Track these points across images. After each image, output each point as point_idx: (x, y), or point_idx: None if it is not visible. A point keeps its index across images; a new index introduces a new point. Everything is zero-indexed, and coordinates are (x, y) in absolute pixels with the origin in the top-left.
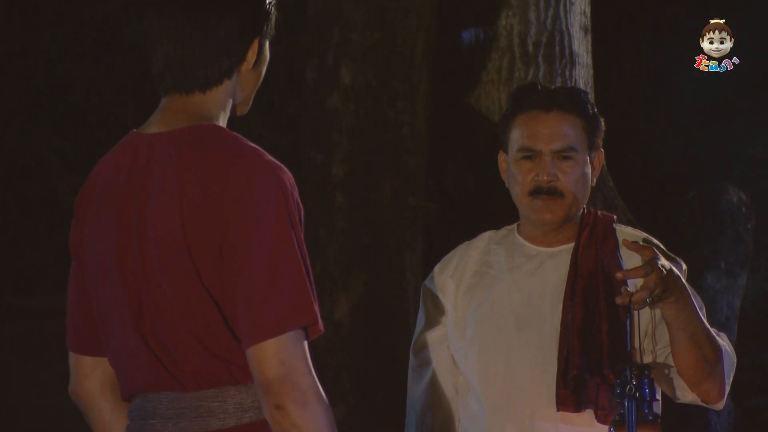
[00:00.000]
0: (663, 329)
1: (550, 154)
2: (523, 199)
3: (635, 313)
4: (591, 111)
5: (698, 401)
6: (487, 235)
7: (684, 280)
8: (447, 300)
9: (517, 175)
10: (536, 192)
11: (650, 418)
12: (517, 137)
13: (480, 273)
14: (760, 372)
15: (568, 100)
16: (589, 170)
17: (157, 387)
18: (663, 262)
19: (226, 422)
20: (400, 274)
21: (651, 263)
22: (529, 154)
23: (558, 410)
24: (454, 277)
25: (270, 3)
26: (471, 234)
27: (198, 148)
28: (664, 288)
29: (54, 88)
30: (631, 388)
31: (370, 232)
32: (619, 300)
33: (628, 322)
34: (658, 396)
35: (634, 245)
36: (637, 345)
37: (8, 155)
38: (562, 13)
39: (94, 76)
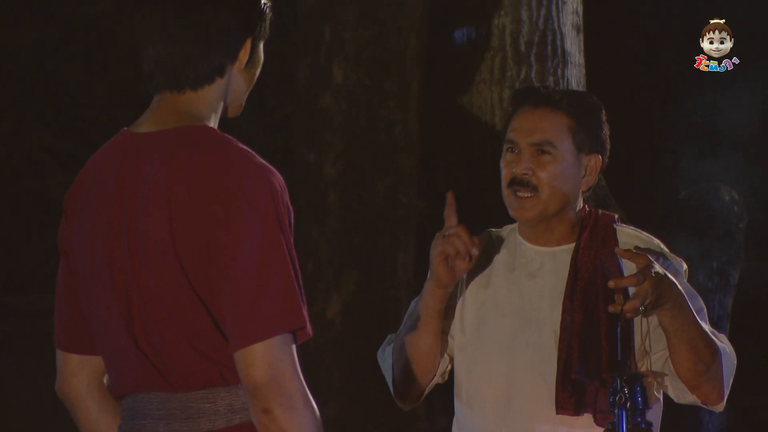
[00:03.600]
0: (661, 332)
1: (528, 147)
2: (504, 192)
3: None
4: (585, 114)
5: (698, 403)
6: (491, 234)
7: (684, 281)
8: (459, 293)
9: (501, 169)
10: (512, 184)
11: (643, 426)
12: (506, 132)
13: (483, 273)
14: (752, 371)
15: (560, 99)
16: (573, 171)
17: (147, 387)
18: (657, 269)
19: (216, 423)
20: (392, 273)
21: (644, 271)
22: (511, 146)
23: (557, 413)
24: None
25: (265, 4)
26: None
27: (187, 150)
28: (658, 295)
29: (46, 86)
30: (621, 397)
31: (363, 231)
32: (611, 309)
33: (619, 331)
34: (657, 401)
35: (627, 253)
36: (635, 349)
37: (0, 153)
38: (554, 13)
39: (86, 75)
